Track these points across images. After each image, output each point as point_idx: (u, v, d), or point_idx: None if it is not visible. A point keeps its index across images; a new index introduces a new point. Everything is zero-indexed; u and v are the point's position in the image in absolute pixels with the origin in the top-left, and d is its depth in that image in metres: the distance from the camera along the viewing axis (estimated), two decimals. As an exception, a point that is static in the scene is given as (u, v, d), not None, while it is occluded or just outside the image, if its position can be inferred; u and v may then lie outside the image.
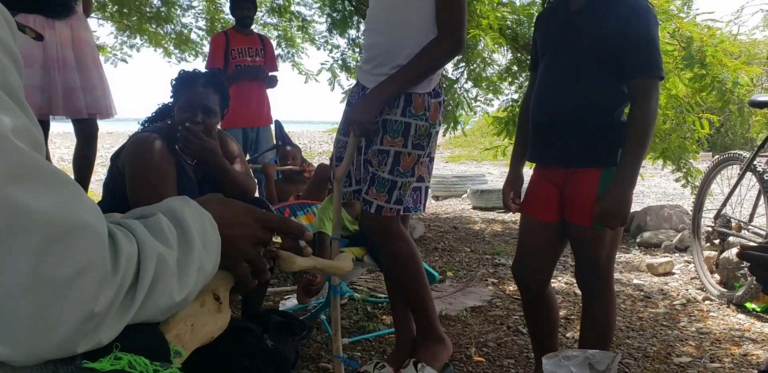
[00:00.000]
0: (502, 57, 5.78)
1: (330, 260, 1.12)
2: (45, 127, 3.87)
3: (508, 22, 5.18)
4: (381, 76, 2.10)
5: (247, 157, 4.75)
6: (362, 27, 6.09)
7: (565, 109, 1.96)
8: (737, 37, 13.41)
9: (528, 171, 2.31)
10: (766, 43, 13.52)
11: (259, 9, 7.57)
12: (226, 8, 7.56)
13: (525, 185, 2.22)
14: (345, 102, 2.34)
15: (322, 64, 6.49)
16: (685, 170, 5.12)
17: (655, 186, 8.55)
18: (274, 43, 7.22)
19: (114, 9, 7.15)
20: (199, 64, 7.80)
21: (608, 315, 2.03)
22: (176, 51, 7.74)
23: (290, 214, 3.36)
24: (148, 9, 7.18)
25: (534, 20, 2.79)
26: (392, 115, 2.07)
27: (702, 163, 6.14)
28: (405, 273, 2.22)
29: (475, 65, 5.59)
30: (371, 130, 2.05)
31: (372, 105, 2.03)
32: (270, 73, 5.01)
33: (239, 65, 4.76)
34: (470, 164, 13.84)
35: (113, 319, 0.67)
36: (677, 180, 5.26)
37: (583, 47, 1.93)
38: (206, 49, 7.50)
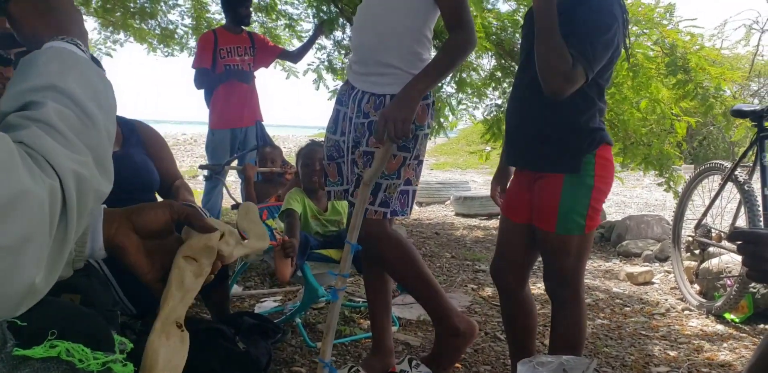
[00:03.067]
0: (487, 62, 5.79)
1: (248, 242, 1.09)
2: None
3: (494, 28, 5.18)
4: (368, 76, 2.10)
5: (231, 157, 4.71)
6: (348, 29, 6.07)
7: (531, 114, 1.97)
8: (720, 51, 13.56)
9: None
10: (748, 58, 13.66)
11: (244, 7, 7.53)
12: (212, 8, 7.52)
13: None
14: (334, 101, 2.31)
15: (309, 64, 6.45)
16: (667, 175, 5.13)
17: (637, 196, 8.57)
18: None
19: (98, 4, 7.06)
20: (186, 59, 7.73)
21: (576, 323, 1.99)
22: (161, 46, 7.65)
23: (268, 216, 3.30)
24: (132, 5, 7.09)
25: (519, 27, 2.79)
26: (377, 116, 2.04)
27: (684, 175, 6.16)
28: (401, 275, 2.21)
29: (460, 70, 5.58)
30: (409, 129, 1.99)
31: (407, 102, 1.98)
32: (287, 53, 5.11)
33: (228, 65, 4.69)
34: (455, 172, 13.84)
35: (52, 262, 0.64)
36: (659, 184, 5.26)
37: None
38: (192, 44, 7.42)
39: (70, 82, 0.77)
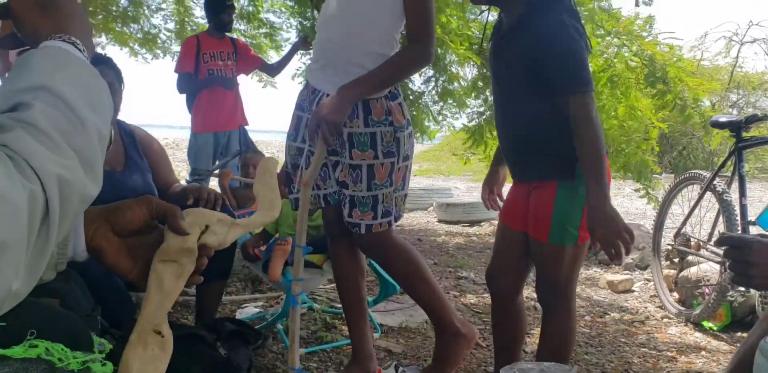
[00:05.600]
0: (469, 71, 5.83)
1: (249, 219, 1.05)
2: None
3: (476, 38, 5.22)
4: (333, 76, 2.04)
5: (217, 163, 4.70)
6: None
7: (514, 127, 1.99)
8: (700, 62, 13.76)
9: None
10: (728, 70, 13.86)
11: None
12: (196, 12, 7.50)
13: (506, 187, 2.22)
14: (295, 106, 2.24)
15: (296, 69, 6.46)
16: (646, 183, 5.18)
17: (618, 206, 8.51)
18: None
19: (80, 7, 7.03)
20: (169, 63, 7.69)
21: (565, 333, 2.01)
22: (142, 50, 7.62)
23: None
24: (114, 8, 7.06)
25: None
26: (355, 127, 2.02)
27: (665, 186, 6.22)
28: (410, 282, 2.20)
29: (443, 80, 5.61)
30: (339, 132, 1.98)
31: (342, 105, 1.95)
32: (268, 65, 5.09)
33: (211, 70, 4.69)
34: (438, 178, 13.87)
35: (32, 266, 0.64)
36: (637, 190, 5.30)
37: (513, 66, 1.93)
38: (175, 48, 7.40)
39: (61, 82, 0.76)
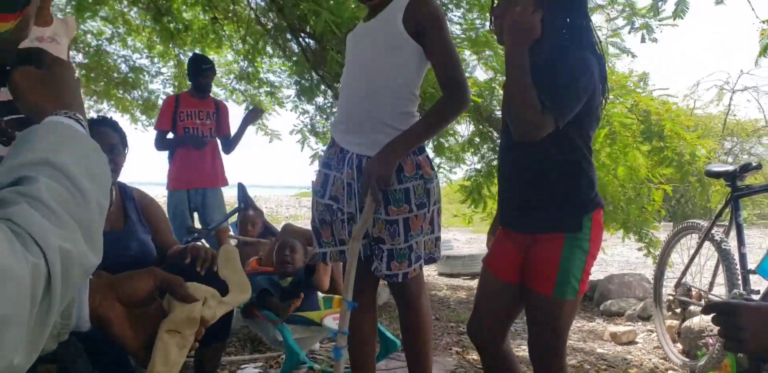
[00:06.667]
0: (464, 128, 5.91)
1: (229, 297, 1.10)
2: None
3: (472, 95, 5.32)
4: (360, 137, 2.12)
5: (196, 217, 4.71)
6: (329, 95, 6.19)
7: (526, 171, 1.95)
8: (693, 111, 13.97)
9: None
10: (721, 117, 14.06)
11: (227, 76, 7.67)
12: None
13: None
14: (320, 164, 2.32)
15: (294, 125, 6.56)
16: (646, 241, 5.19)
17: (618, 255, 8.61)
18: (241, 107, 7.29)
19: (82, 73, 7.19)
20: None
21: None
22: (143, 117, 7.76)
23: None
24: (116, 74, 7.23)
25: (494, 94, 2.85)
26: (390, 185, 2.08)
27: (663, 232, 6.22)
28: (423, 331, 2.28)
29: (438, 136, 5.70)
30: (389, 186, 2.06)
31: (390, 160, 2.04)
32: (223, 138, 5.00)
33: (187, 128, 4.76)
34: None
35: (33, 339, 0.65)
36: (639, 249, 5.31)
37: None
38: None
39: (64, 157, 0.79)
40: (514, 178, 2.01)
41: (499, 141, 2.16)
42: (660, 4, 3.67)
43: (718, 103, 13.96)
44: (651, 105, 4.87)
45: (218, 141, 4.93)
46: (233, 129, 5.03)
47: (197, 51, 7.17)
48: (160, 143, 4.85)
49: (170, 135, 4.84)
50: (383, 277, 2.17)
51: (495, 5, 1.96)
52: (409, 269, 2.14)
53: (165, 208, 4.91)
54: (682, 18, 3.77)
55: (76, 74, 0.97)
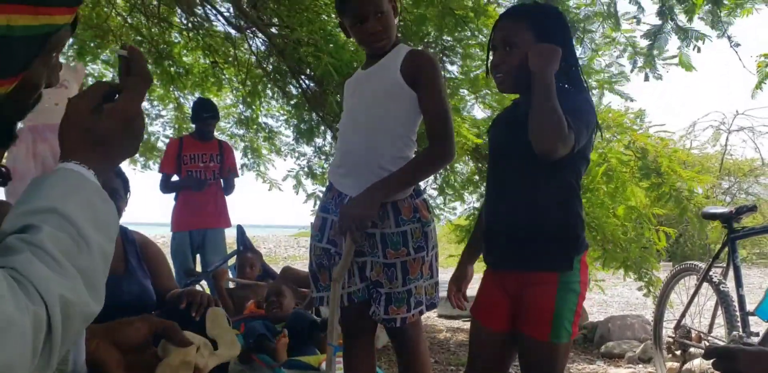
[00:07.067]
0: (463, 167, 5.97)
1: (220, 351, 1.12)
2: None
3: (470, 134, 5.39)
4: (358, 181, 2.13)
5: (198, 259, 4.73)
6: (329, 136, 6.26)
7: (519, 205, 1.95)
8: (690, 150, 14.09)
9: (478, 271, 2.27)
10: (717, 157, 14.16)
11: (226, 120, 7.77)
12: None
13: (472, 285, 2.20)
14: (319, 208, 2.35)
15: (288, 171, 6.62)
16: (646, 280, 5.18)
17: (618, 295, 8.55)
18: (240, 153, 7.37)
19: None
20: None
21: None
22: (141, 158, 7.83)
23: (246, 329, 3.20)
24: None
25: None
26: (387, 228, 2.11)
27: (662, 273, 6.21)
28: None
29: (441, 175, 5.77)
30: (366, 227, 2.06)
31: (368, 203, 2.04)
32: (224, 179, 5.04)
33: (190, 171, 4.83)
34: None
35: None
36: (639, 289, 5.30)
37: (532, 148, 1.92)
38: None
39: (71, 206, 0.81)
40: (506, 216, 1.99)
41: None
42: (663, 43, 3.74)
43: (714, 144, 14.10)
44: (648, 142, 4.93)
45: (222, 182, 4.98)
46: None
47: (198, 94, 7.29)
48: (165, 186, 4.92)
49: (175, 177, 4.89)
50: (381, 321, 2.16)
51: (492, 56, 2.02)
52: (408, 314, 2.13)
53: (168, 249, 4.96)
54: (695, 69, 3.85)
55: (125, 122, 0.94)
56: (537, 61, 1.80)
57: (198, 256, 4.84)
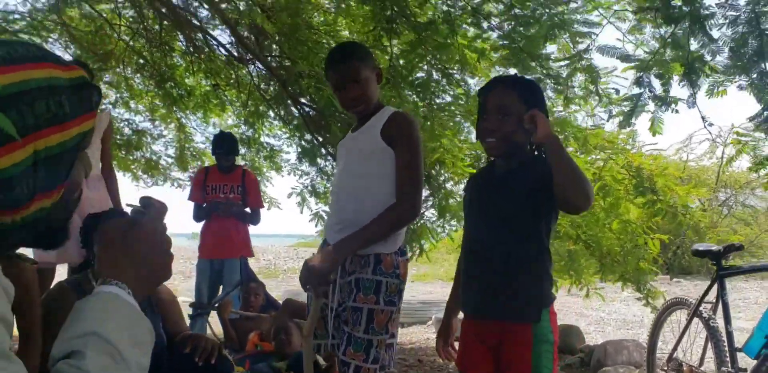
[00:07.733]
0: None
1: None
2: None
3: (469, 158, 5.50)
4: None
5: (218, 295, 4.82)
6: (330, 158, 6.36)
7: (495, 263, 2.04)
8: (687, 163, 14.20)
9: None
10: (714, 170, 14.28)
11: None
12: (196, 137, 7.91)
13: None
14: (314, 224, 2.48)
15: (292, 188, 6.71)
16: (645, 292, 5.27)
17: (615, 312, 8.62)
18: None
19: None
20: (169, 189, 8.04)
21: None
22: (144, 176, 7.95)
23: (251, 367, 3.31)
24: (119, 136, 7.43)
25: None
26: (364, 274, 2.19)
27: (660, 286, 6.28)
28: None
29: (439, 197, 5.85)
30: (328, 282, 2.16)
31: (332, 258, 2.13)
32: (248, 209, 5.16)
33: (212, 201, 4.96)
34: (436, 284, 13.77)
35: None
36: (639, 299, 5.39)
37: (511, 202, 2.05)
38: (174, 174, 7.92)
39: (109, 328, 0.91)
40: (486, 266, 2.08)
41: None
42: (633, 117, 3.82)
43: (711, 156, 14.23)
44: (642, 161, 5.03)
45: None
46: None
47: (200, 115, 7.40)
48: (196, 215, 5.12)
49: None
50: (339, 362, 2.22)
51: (486, 121, 2.12)
52: (364, 364, 2.15)
53: (182, 251, 5.14)
54: (660, 134, 3.96)
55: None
56: (544, 128, 1.92)
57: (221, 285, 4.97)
